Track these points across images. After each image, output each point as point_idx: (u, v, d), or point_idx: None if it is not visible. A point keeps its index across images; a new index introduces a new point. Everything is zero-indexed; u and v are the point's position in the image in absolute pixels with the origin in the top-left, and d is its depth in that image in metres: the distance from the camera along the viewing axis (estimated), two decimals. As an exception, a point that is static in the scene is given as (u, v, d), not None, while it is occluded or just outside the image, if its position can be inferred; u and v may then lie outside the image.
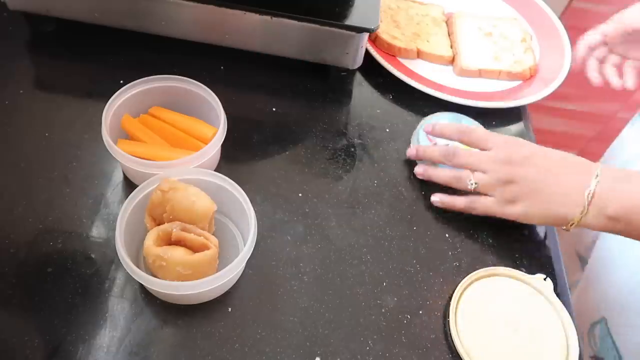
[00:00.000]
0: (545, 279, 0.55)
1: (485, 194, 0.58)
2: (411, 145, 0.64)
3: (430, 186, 0.63)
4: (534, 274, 0.56)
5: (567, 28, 0.79)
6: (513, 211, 0.56)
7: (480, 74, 0.74)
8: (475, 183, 0.57)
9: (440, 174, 0.61)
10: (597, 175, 0.52)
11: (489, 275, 0.56)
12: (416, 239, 0.59)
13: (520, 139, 0.59)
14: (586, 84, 0.74)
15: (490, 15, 0.81)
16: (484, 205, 0.58)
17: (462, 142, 0.60)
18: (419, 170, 0.63)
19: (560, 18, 0.83)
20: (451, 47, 0.77)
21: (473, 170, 0.58)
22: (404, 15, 0.79)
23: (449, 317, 0.53)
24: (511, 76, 0.74)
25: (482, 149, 0.58)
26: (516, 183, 0.55)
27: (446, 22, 0.81)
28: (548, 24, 0.81)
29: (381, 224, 0.59)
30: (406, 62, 0.74)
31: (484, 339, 0.52)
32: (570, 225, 0.54)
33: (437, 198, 0.61)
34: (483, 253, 0.59)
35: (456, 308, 0.53)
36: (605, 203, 0.52)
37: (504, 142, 0.57)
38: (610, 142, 0.85)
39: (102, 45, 0.69)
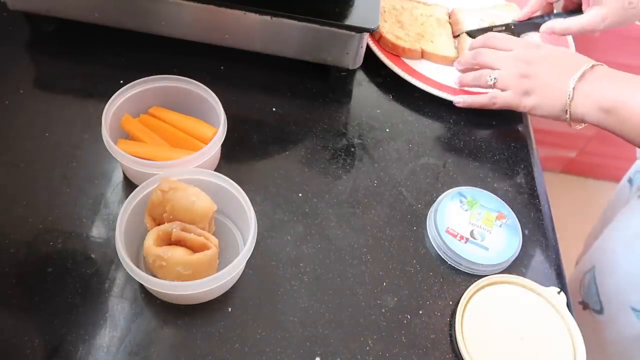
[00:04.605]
0: (559, 293, 0.54)
1: (503, 90, 0.64)
2: (427, 228, 0.59)
3: (429, 187, 0.63)
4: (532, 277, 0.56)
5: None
6: (528, 102, 0.62)
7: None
8: (495, 78, 0.64)
9: (465, 76, 0.69)
10: (590, 66, 0.58)
11: (498, 283, 0.55)
12: (416, 239, 0.59)
13: (539, 43, 0.67)
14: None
15: (485, 6, 0.81)
16: (503, 98, 0.64)
17: (486, 47, 0.67)
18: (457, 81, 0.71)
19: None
20: (455, 47, 0.77)
21: (494, 69, 0.64)
22: (408, 16, 0.79)
23: (455, 322, 0.52)
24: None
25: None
26: (530, 77, 0.62)
27: (450, 23, 0.81)
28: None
29: (381, 224, 0.59)
30: (410, 63, 0.74)
31: (489, 344, 0.51)
32: (567, 114, 0.59)
33: (460, 99, 0.69)
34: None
35: (463, 312, 0.53)
36: (592, 91, 0.57)
37: (524, 44, 0.65)
38: (609, 141, 0.84)
39: (102, 45, 0.69)
